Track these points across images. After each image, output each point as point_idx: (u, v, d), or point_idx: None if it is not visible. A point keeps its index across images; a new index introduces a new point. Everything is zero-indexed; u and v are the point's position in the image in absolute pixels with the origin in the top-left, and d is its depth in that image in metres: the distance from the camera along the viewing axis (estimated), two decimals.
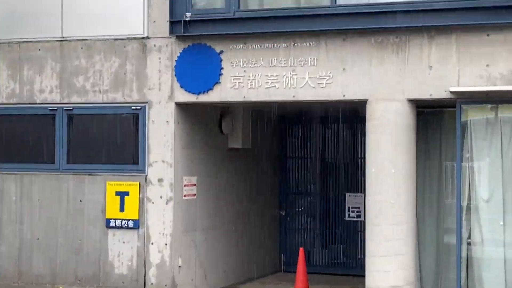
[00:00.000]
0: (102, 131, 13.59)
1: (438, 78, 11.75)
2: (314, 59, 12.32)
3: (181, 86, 13.03)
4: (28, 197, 13.95)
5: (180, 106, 13.16)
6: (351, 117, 15.92)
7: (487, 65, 11.54)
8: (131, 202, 13.29)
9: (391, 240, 11.91)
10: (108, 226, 13.45)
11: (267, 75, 12.53)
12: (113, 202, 13.40)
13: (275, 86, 12.51)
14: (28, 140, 14.04)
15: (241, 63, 12.67)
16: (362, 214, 15.70)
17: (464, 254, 12.07)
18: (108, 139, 13.55)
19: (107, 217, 13.45)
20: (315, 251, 16.73)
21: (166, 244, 13.08)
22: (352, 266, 16.30)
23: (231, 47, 12.73)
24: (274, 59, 12.51)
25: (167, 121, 13.12)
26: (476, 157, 12.06)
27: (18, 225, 14.02)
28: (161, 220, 13.10)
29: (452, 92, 11.68)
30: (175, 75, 13.07)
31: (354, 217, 16.15)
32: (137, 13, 13.29)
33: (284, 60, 12.46)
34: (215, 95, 12.84)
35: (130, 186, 13.29)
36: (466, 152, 12.05)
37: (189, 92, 12.99)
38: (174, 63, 13.07)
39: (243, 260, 15.11)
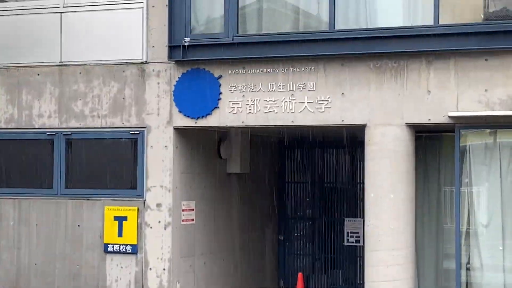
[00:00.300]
0: (101, 156, 13.57)
1: (436, 103, 11.74)
2: (313, 83, 12.33)
3: (180, 111, 13.03)
4: (26, 222, 13.90)
5: (179, 131, 13.14)
6: (350, 141, 15.90)
7: (486, 90, 11.54)
8: (129, 227, 13.24)
9: (390, 265, 11.86)
10: (106, 251, 13.40)
11: (266, 100, 12.53)
12: (111, 227, 13.35)
13: (273, 110, 12.50)
14: (26, 164, 14.01)
15: (240, 87, 12.68)
16: (361, 239, 15.65)
17: (463, 279, 12.01)
18: (106, 164, 13.53)
19: (105, 242, 13.40)
20: (314, 276, 16.66)
21: (164, 269, 13.03)
22: None
23: (229, 71, 12.74)
24: (273, 84, 12.51)
25: (165, 146, 13.10)
26: (475, 182, 12.03)
27: (16, 250, 13.96)
28: (160, 245, 13.05)
29: (450, 117, 11.67)
30: (174, 100, 13.06)
31: (353, 242, 16.10)
32: (136, 38, 13.31)
33: (282, 85, 12.46)
34: (213, 120, 12.83)
35: (128, 211, 13.25)
36: (465, 177, 12.02)
37: (187, 117, 12.99)
38: (173, 88, 13.07)
39: (241, 285, 15.03)
